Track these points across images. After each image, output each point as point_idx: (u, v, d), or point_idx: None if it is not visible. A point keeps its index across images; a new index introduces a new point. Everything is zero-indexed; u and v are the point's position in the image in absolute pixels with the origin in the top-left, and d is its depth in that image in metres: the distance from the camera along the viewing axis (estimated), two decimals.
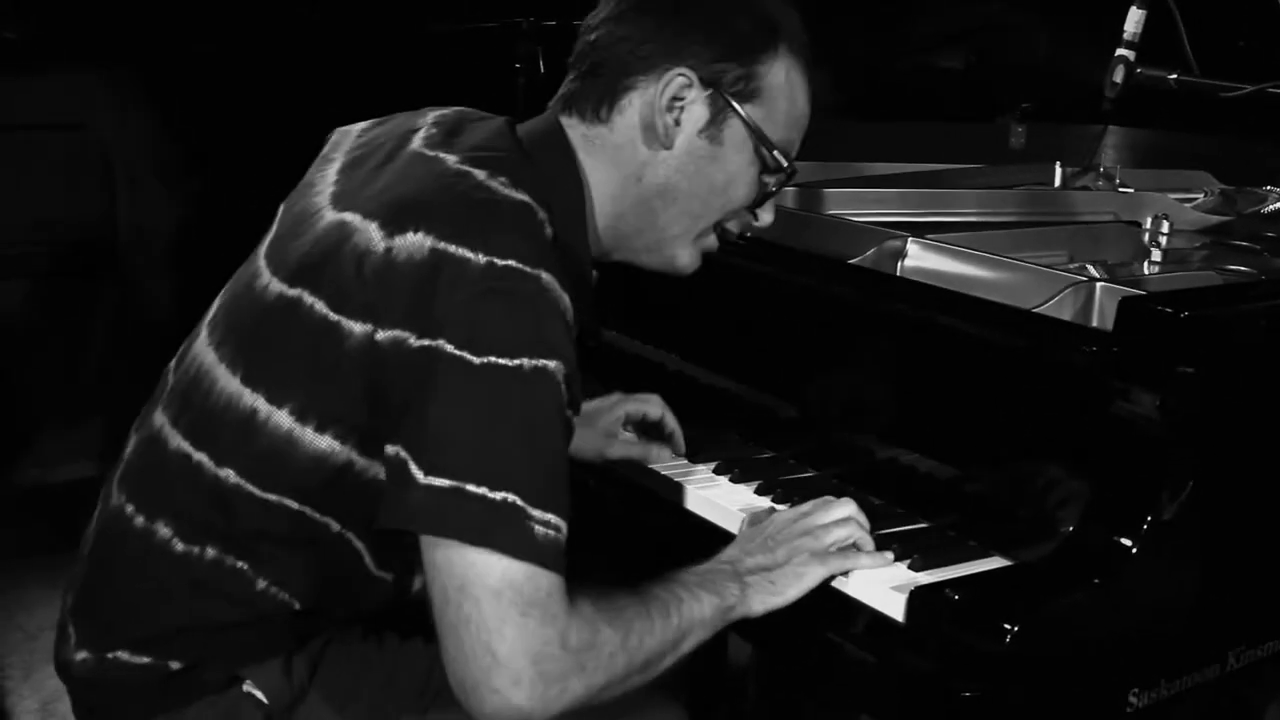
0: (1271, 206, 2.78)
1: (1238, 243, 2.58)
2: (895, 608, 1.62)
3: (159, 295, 4.19)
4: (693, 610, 1.59)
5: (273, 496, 1.58)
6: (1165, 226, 2.52)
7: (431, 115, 1.74)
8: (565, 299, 1.49)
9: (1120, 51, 1.99)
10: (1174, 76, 1.97)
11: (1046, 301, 1.92)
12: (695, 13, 1.67)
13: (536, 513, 1.43)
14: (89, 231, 4.10)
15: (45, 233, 4.03)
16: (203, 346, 1.68)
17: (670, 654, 1.57)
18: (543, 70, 3.13)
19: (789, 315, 2.11)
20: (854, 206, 2.61)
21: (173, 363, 1.77)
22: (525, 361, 1.44)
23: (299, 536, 1.60)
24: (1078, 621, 1.57)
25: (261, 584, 1.62)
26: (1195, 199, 2.86)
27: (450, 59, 3.63)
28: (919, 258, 2.17)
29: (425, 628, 1.64)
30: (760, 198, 1.77)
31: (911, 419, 1.90)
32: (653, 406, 2.10)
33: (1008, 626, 1.50)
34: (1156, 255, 2.45)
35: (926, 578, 1.66)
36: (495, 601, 1.42)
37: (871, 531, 1.74)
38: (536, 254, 1.48)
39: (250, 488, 1.59)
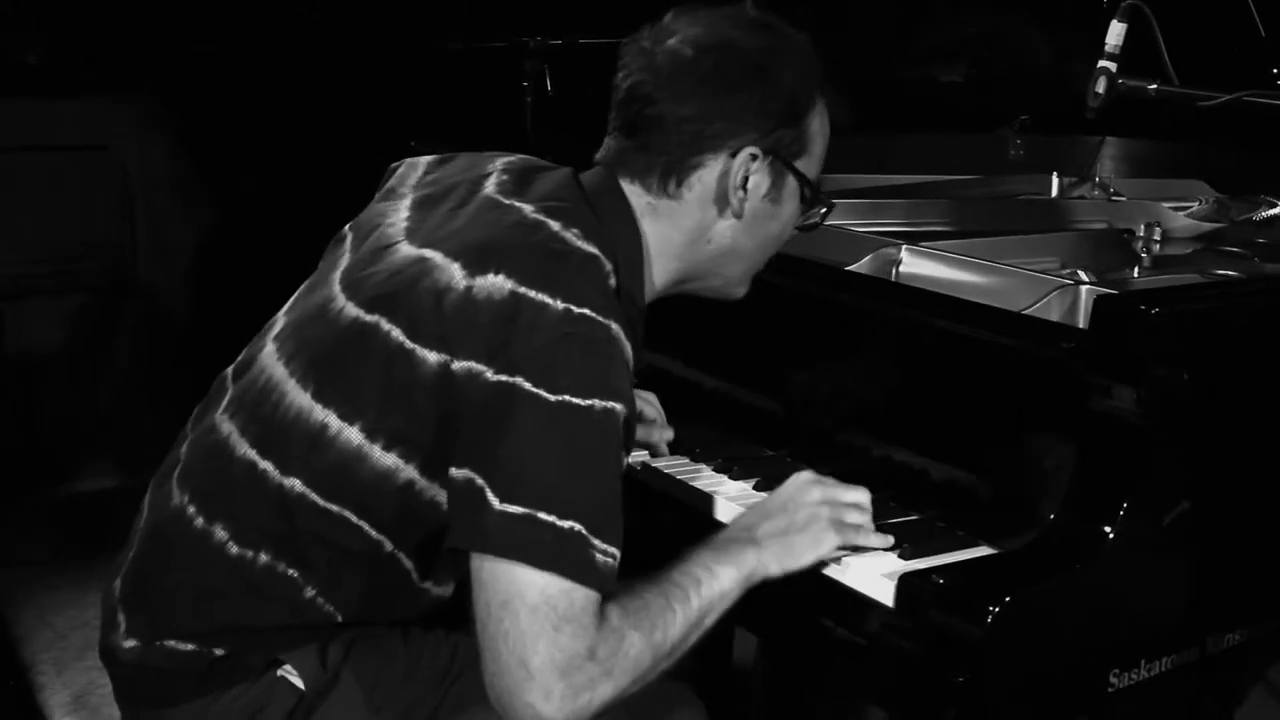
0: (1264, 214, 2.84)
1: (1229, 249, 2.65)
2: (885, 593, 1.69)
3: (178, 313, 4.27)
4: (712, 588, 1.67)
5: (335, 507, 1.67)
6: (1157, 234, 2.60)
7: (500, 161, 1.83)
8: (629, 348, 1.61)
9: (1102, 63, 2.06)
10: (1154, 86, 2.04)
11: (1034, 304, 2.00)
12: (752, 83, 1.73)
13: (598, 541, 1.54)
14: (110, 251, 4.18)
15: (68, 252, 4.11)
16: (271, 360, 1.76)
17: (695, 633, 1.66)
18: (549, 88, 3.22)
19: (789, 320, 2.19)
20: (854, 216, 2.69)
21: (230, 370, 1.85)
22: (597, 403, 1.55)
23: (353, 549, 1.69)
24: (1058, 605, 1.64)
25: (310, 592, 1.70)
26: (1190, 207, 2.93)
27: (462, 77, 3.72)
28: (913, 264, 2.25)
29: (447, 620, 1.79)
30: (801, 227, 1.88)
31: (903, 416, 1.98)
32: (649, 407, 2.20)
33: (990, 609, 1.57)
34: (1146, 261, 2.53)
35: (915, 565, 1.73)
36: (532, 616, 1.52)
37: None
38: (606, 304, 1.59)
39: (314, 497, 1.67)
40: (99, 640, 1.83)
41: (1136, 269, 2.46)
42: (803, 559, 1.75)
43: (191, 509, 1.74)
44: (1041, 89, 3.24)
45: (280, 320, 1.82)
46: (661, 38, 1.74)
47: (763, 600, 1.92)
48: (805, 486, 1.80)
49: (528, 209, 1.68)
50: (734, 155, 1.73)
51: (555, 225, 1.65)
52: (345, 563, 1.70)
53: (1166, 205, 2.88)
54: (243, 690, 1.72)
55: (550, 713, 1.52)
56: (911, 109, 3.31)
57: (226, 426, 1.76)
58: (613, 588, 1.57)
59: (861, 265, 2.22)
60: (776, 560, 1.73)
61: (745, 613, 1.73)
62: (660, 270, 1.80)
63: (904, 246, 2.26)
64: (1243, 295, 1.98)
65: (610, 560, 1.55)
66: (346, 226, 1.87)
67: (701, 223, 1.77)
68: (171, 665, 1.72)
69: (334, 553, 1.69)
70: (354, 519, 1.67)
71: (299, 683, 1.72)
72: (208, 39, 4.15)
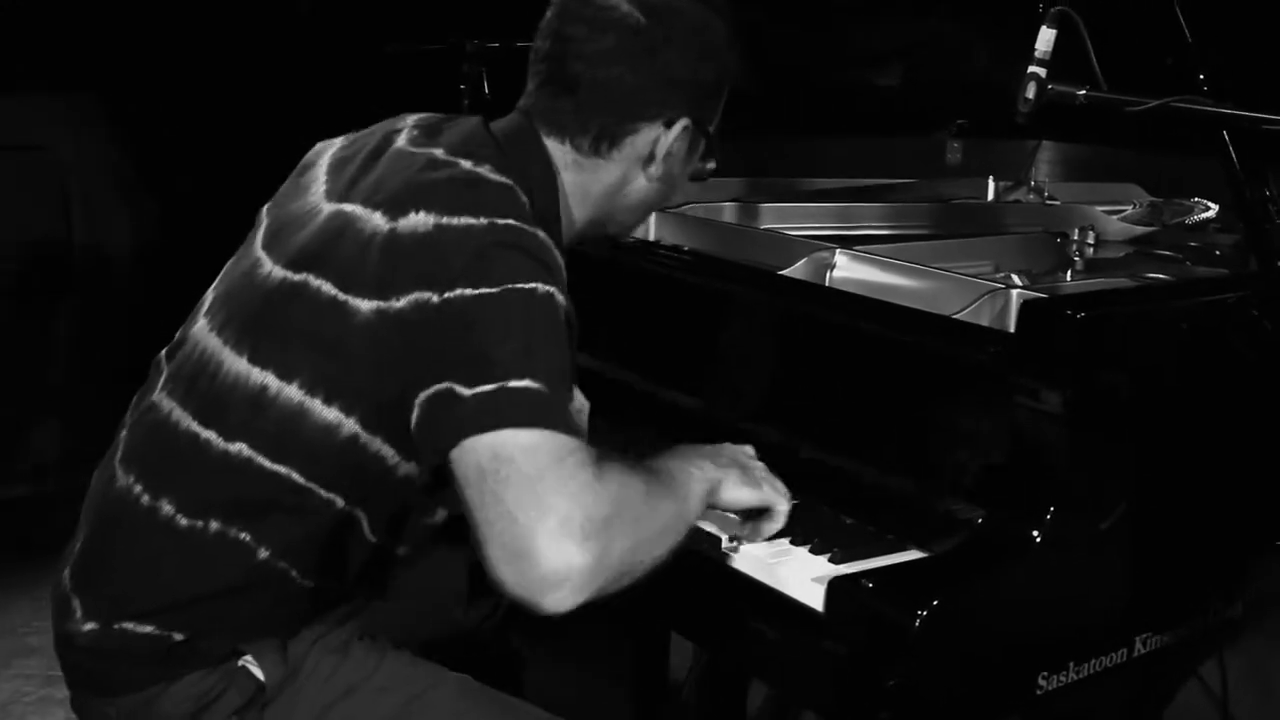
0: (1197, 217, 2.87)
1: (1161, 252, 2.67)
2: (815, 598, 1.70)
3: (115, 313, 4.23)
4: (687, 482, 1.69)
5: (281, 468, 1.68)
6: (1090, 237, 2.63)
7: (411, 119, 1.85)
8: (559, 255, 1.64)
9: (1032, 69, 2.07)
10: (1083, 92, 2.05)
11: (965, 308, 2.01)
12: (694, 54, 1.77)
13: (562, 399, 1.54)
14: (45, 250, 4.14)
15: (4, 252, 4.08)
16: (204, 334, 1.78)
17: (679, 520, 1.65)
18: (487, 91, 3.22)
19: (720, 322, 2.19)
20: (790, 220, 2.70)
21: (163, 352, 1.86)
22: (539, 286, 1.57)
23: (304, 508, 1.69)
24: (986, 607, 1.65)
25: (263, 554, 1.70)
26: (1124, 210, 2.96)
27: (399, 79, 3.71)
28: (847, 268, 2.26)
29: (395, 635, 1.83)
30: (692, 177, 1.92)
31: (834, 420, 1.99)
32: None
33: (918, 612, 1.58)
34: (1079, 264, 2.55)
35: (845, 569, 1.73)
36: (531, 459, 1.47)
37: (794, 525, 1.85)
38: (529, 218, 1.63)
39: (261, 460, 1.68)
40: (53, 630, 1.81)
41: (1069, 272, 2.48)
42: (745, 493, 1.78)
43: (138, 488, 1.74)
44: (978, 93, 3.26)
45: (209, 297, 1.84)
46: None
47: (696, 603, 1.93)
48: (715, 447, 1.83)
49: (439, 152, 1.71)
50: (669, 125, 1.78)
51: (467, 163, 1.68)
52: (297, 522, 1.70)
53: (1101, 209, 2.91)
54: (200, 677, 1.72)
55: (568, 556, 1.44)
56: (848, 113, 3.32)
57: (166, 404, 1.77)
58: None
59: (796, 269, 2.23)
60: (732, 486, 1.76)
61: (680, 618, 1.74)
62: (575, 217, 1.83)
63: (838, 250, 2.27)
64: (1169, 299, 2.00)
65: (576, 419, 1.56)
66: (264, 208, 1.88)
67: (623, 179, 1.82)
68: (130, 648, 1.72)
69: (284, 514, 1.69)
70: (301, 480, 1.67)
71: (259, 673, 1.72)
72: (146, 38, 4.11)
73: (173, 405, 1.76)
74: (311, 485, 1.68)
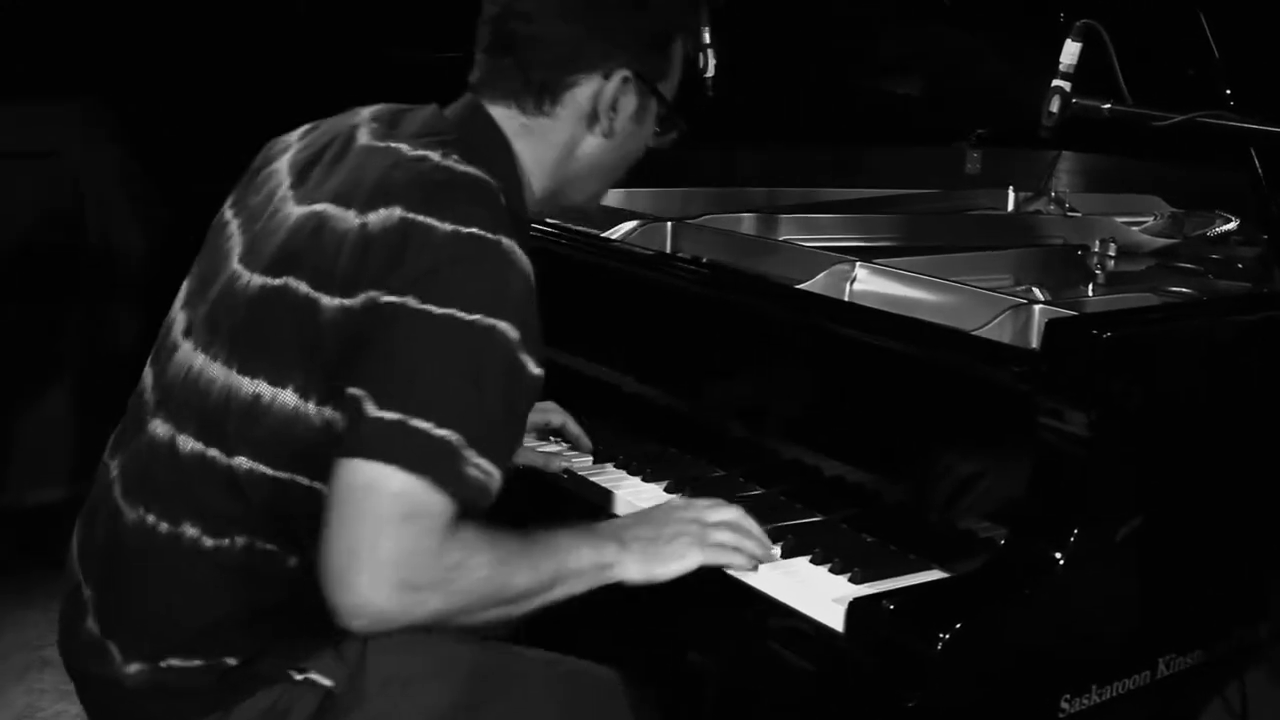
0: (1218, 229, 2.85)
1: (1182, 265, 2.65)
2: (836, 619, 1.68)
3: (126, 321, 4.23)
4: (569, 560, 1.67)
5: (284, 474, 1.66)
6: (1111, 250, 2.60)
7: (366, 112, 1.85)
8: (524, 261, 1.62)
9: (1056, 82, 2.05)
10: (1108, 106, 2.04)
11: (987, 323, 1.98)
12: (629, 6, 1.78)
13: (472, 454, 1.53)
14: (58, 257, 4.14)
15: (14, 258, 4.07)
16: (188, 354, 1.76)
17: (540, 595, 1.64)
18: None
19: (742, 337, 2.18)
20: (809, 231, 2.69)
21: (139, 390, 1.83)
22: (481, 318, 1.55)
23: (318, 511, 1.64)
24: (1008, 630, 1.63)
25: (293, 561, 1.69)
26: (1144, 222, 2.94)
27: (405, 86, 3.69)
28: (867, 281, 2.24)
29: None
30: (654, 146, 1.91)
31: (855, 437, 1.96)
32: (554, 415, 2.23)
33: (940, 635, 1.56)
34: (1100, 278, 2.53)
35: (866, 590, 1.71)
36: (385, 505, 1.50)
37: (814, 545, 1.82)
38: (495, 221, 1.61)
39: (263, 469, 1.66)
40: (84, 676, 1.80)
41: (1090, 286, 2.46)
42: (667, 568, 1.75)
43: (151, 518, 1.72)
44: (998, 103, 3.25)
45: (180, 319, 1.82)
46: None
47: (713, 623, 1.92)
48: (676, 506, 1.83)
49: (404, 147, 1.70)
50: (607, 76, 1.77)
51: (435, 156, 1.67)
52: (314, 527, 1.64)
53: (1121, 220, 2.89)
54: (265, 696, 1.71)
55: (379, 601, 1.49)
56: (868, 122, 3.31)
57: (162, 429, 1.75)
58: (484, 505, 1.55)
59: (816, 282, 2.21)
60: (637, 564, 1.73)
61: (697, 635, 1.72)
62: (535, 189, 1.82)
63: (858, 263, 2.25)
64: (1194, 317, 1.98)
65: (483, 476, 1.54)
66: (228, 212, 1.87)
67: (571, 139, 1.80)
68: (184, 682, 1.70)
69: (300, 520, 1.66)
70: (306, 482, 1.66)
71: (323, 680, 1.72)
72: (158, 45, 4.11)
73: (171, 430, 1.74)
74: (316, 485, 1.65)
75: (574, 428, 2.23)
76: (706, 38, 2.81)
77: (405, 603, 1.50)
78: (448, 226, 1.57)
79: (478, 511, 1.56)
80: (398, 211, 1.59)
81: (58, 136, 4.08)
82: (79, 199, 4.14)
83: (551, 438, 2.26)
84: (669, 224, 2.60)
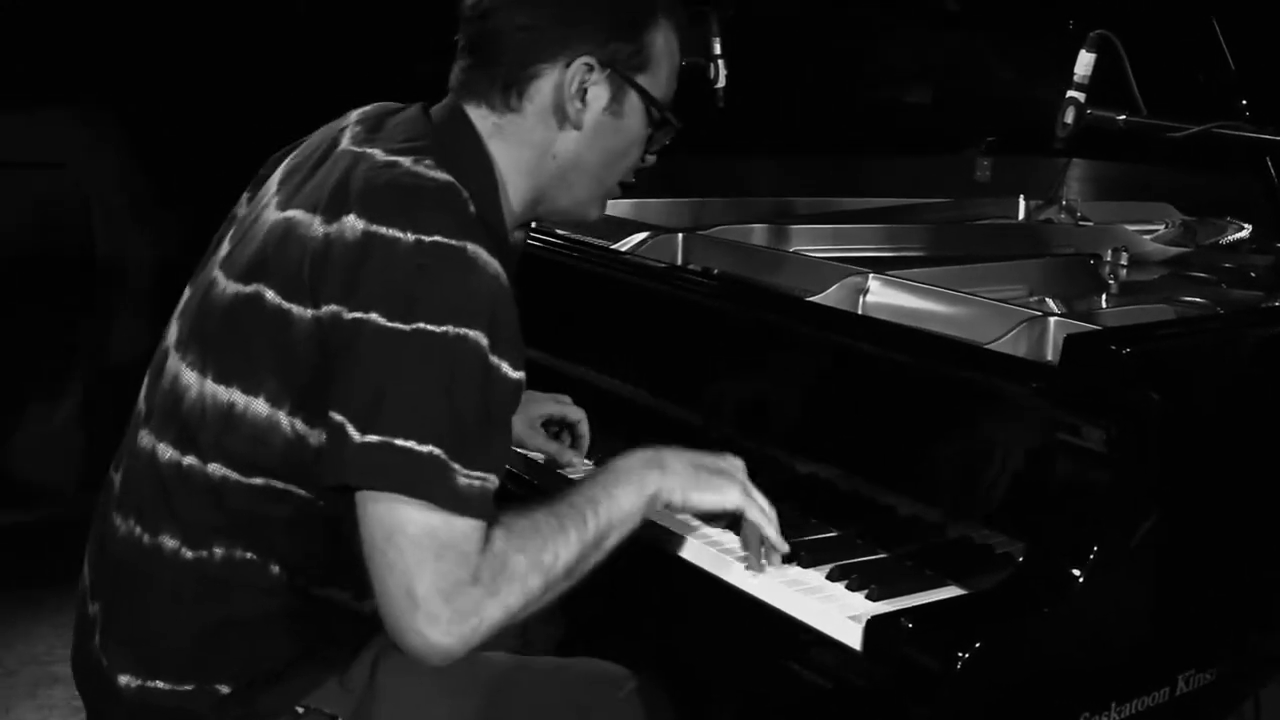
0: (1230, 237, 2.84)
1: (1196, 274, 2.64)
2: (853, 636, 1.66)
3: (136, 332, 4.21)
4: (610, 510, 1.68)
5: (258, 480, 1.67)
6: (1124, 259, 2.59)
7: (354, 115, 1.85)
8: (494, 264, 1.60)
9: (1071, 93, 2.05)
10: (1123, 117, 2.03)
11: (1002, 336, 1.97)
12: None
13: (459, 466, 1.53)
14: (67, 268, 4.13)
15: (24, 269, 4.07)
16: (174, 363, 1.77)
17: (594, 554, 1.66)
18: None
19: (756, 351, 2.16)
20: (820, 242, 2.68)
21: (140, 398, 1.84)
22: (451, 329, 1.54)
23: (294, 517, 1.68)
24: (1027, 647, 1.62)
25: (274, 569, 1.69)
26: (1156, 230, 2.93)
27: (415, 90, 3.68)
28: (880, 293, 2.23)
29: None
30: (652, 150, 1.88)
31: (870, 452, 1.95)
32: (573, 410, 2.23)
33: (959, 654, 1.54)
34: (1114, 288, 2.52)
35: (883, 607, 1.70)
36: (415, 548, 1.52)
37: (830, 561, 1.82)
38: (461, 227, 1.60)
39: (236, 476, 1.67)
40: (96, 698, 1.80)
41: (1104, 297, 2.45)
42: (704, 496, 1.77)
43: (138, 530, 1.73)
44: (1008, 110, 3.24)
45: (174, 328, 1.83)
46: None
47: (727, 638, 1.90)
48: (718, 455, 1.83)
49: (378, 152, 1.69)
50: (569, 65, 1.74)
51: (407, 161, 1.66)
52: (295, 531, 1.69)
53: (1133, 228, 2.88)
54: None
55: (438, 638, 1.52)
56: (878, 131, 3.30)
57: (147, 440, 1.76)
58: (491, 513, 1.57)
59: (828, 294, 2.20)
60: (680, 488, 1.75)
61: (709, 650, 1.71)
62: (515, 193, 1.80)
63: (871, 275, 2.24)
64: (1213, 331, 1.96)
65: (478, 484, 1.54)
66: (227, 220, 1.89)
67: (545, 137, 1.77)
68: (176, 706, 1.70)
69: (278, 525, 1.68)
70: (280, 486, 1.67)
71: (328, 710, 1.72)
72: (167, 54, 4.10)
73: (151, 439, 1.75)
74: (291, 489, 1.67)
75: (585, 428, 2.23)
76: (717, 48, 2.81)
77: (465, 630, 1.53)
78: (410, 237, 1.57)
79: (489, 514, 1.57)
80: (360, 224, 1.59)
81: (65, 147, 4.07)
82: (87, 210, 4.13)
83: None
84: (680, 235, 2.59)
